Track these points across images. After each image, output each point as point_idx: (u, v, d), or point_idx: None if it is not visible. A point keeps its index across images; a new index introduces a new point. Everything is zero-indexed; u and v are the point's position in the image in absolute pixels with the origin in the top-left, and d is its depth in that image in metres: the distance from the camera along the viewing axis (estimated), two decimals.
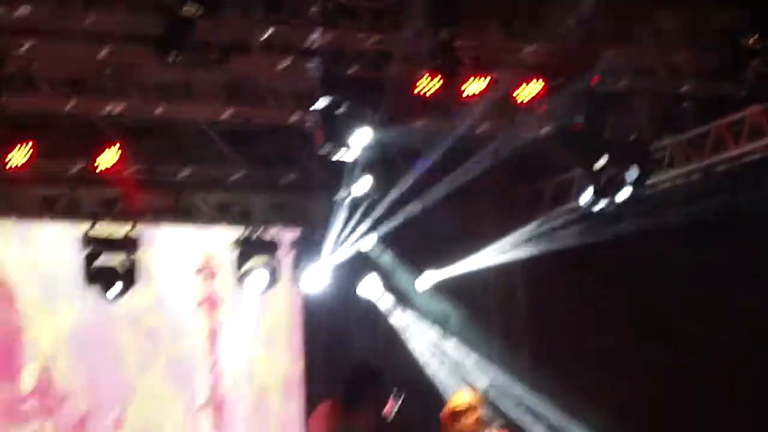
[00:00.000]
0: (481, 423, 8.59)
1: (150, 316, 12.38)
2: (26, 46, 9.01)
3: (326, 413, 8.82)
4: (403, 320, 12.13)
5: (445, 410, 8.66)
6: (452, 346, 11.90)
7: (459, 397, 8.80)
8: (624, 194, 10.24)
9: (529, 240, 11.78)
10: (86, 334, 12.06)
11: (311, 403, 12.08)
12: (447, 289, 12.23)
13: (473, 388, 9.37)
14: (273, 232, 11.77)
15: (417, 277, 12.22)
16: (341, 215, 11.51)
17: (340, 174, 10.73)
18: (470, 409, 8.63)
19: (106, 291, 11.33)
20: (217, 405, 12.36)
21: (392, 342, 11.98)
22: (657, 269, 11.74)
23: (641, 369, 11.55)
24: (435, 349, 11.95)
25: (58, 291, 12.00)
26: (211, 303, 12.64)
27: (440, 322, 12.18)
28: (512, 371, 11.79)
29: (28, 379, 11.91)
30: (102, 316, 12.00)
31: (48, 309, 12.01)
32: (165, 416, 12.34)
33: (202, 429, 12.36)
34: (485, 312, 12.38)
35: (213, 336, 12.56)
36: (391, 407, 8.82)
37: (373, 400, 8.81)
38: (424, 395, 10.58)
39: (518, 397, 11.51)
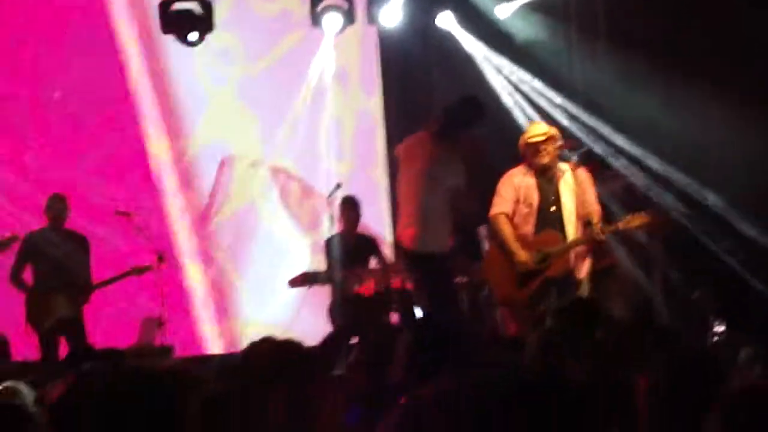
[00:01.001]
0: (559, 154, 8.69)
1: (228, 60, 12.41)
2: None
3: (422, 141, 8.88)
4: (481, 51, 11.95)
5: (522, 140, 8.72)
6: (530, 78, 11.71)
7: (536, 128, 8.84)
8: None
9: None
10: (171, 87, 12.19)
11: (391, 140, 12.18)
12: (528, 13, 11.94)
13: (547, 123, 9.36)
14: None
15: (497, 3, 11.94)
16: None
17: None
18: (548, 138, 8.68)
19: (183, 38, 11.31)
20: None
21: (469, 75, 11.83)
22: None
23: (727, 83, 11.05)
24: (513, 80, 11.80)
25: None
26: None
27: (522, 48, 11.96)
28: (594, 94, 11.54)
29: None
30: (180, 63, 12.07)
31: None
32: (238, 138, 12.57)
33: (277, 150, 12.52)
34: (566, 33, 12.10)
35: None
36: None
37: (471, 130, 8.87)
38: (501, 128, 10.57)
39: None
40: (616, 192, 9.96)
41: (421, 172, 8.72)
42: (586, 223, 8.64)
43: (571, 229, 8.63)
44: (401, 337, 4.48)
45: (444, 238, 8.95)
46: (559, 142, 8.79)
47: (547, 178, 8.71)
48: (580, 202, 8.61)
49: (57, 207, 10.20)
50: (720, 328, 9.80)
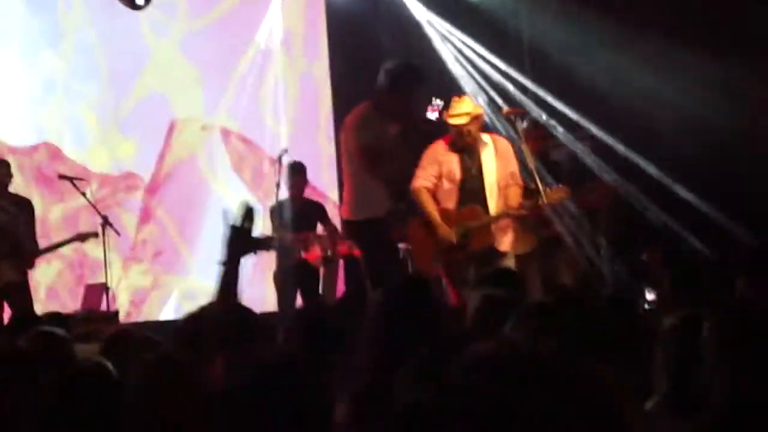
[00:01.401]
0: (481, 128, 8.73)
1: (171, 14, 12.33)
2: None
3: (360, 112, 8.83)
4: (426, 16, 11.89)
5: (445, 118, 8.73)
6: (476, 44, 11.65)
7: (459, 107, 8.80)
8: None
9: None
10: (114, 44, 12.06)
11: (337, 106, 12.16)
12: None
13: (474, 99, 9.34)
14: None
15: None
16: None
17: None
18: (472, 120, 8.69)
19: (130, 2, 11.24)
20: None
21: (417, 40, 11.80)
22: None
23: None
24: (459, 46, 11.74)
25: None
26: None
27: (470, 11, 11.81)
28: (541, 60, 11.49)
29: None
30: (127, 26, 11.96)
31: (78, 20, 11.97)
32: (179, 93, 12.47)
33: (220, 109, 12.46)
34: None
35: None
36: (433, 111, 8.80)
37: (409, 97, 8.78)
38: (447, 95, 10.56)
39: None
40: (561, 161, 9.99)
41: (357, 143, 8.63)
42: (526, 193, 8.65)
43: (493, 203, 8.66)
44: (369, 306, 4.40)
45: (380, 203, 8.91)
46: (483, 119, 8.84)
47: (469, 152, 8.74)
48: (502, 175, 8.67)
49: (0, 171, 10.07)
50: (651, 296, 9.87)
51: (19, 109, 11.62)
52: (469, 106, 8.82)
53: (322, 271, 10.77)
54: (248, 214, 4.11)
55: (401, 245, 10.01)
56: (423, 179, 8.72)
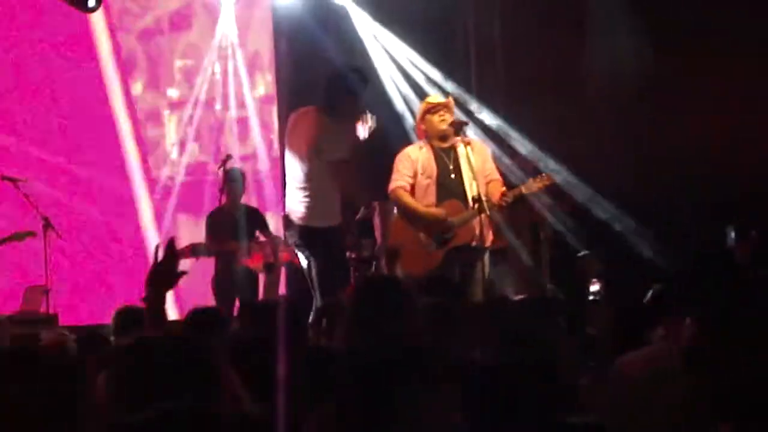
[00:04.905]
0: (452, 124, 8.76)
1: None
2: None
3: (311, 116, 8.84)
4: (376, 29, 11.91)
5: (421, 110, 8.84)
6: (425, 63, 11.66)
7: (435, 96, 8.98)
8: None
9: None
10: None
11: (282, 116, 12.18)
12: None
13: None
14: None
15: None
16: None
17: None
18: (444, 107, 8.77)
19: (83, 5, 11.26)
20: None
21: (364, 53, 11.85)
22: None
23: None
24: (406, 63, 11.75)
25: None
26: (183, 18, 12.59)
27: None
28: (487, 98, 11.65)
29: None
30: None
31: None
32: None
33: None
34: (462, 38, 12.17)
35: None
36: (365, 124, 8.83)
37: (354, 106, 8.82)
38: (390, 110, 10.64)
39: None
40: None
41: (308, 147, 8.65)
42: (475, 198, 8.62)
43: (471, 197, 8.59)
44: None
45: (334, 212, 8.94)
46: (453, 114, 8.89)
47: (444, 148, 8.78)
48: (480, 171, 8.65)
49: None
50: (596, 287, 9.94)
51: None
52: (442, 96, 8.97)
53: (262, 277, 10.75)
54: (171, 248, 4.06)
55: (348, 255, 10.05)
56: (398, 180, 8.76)
